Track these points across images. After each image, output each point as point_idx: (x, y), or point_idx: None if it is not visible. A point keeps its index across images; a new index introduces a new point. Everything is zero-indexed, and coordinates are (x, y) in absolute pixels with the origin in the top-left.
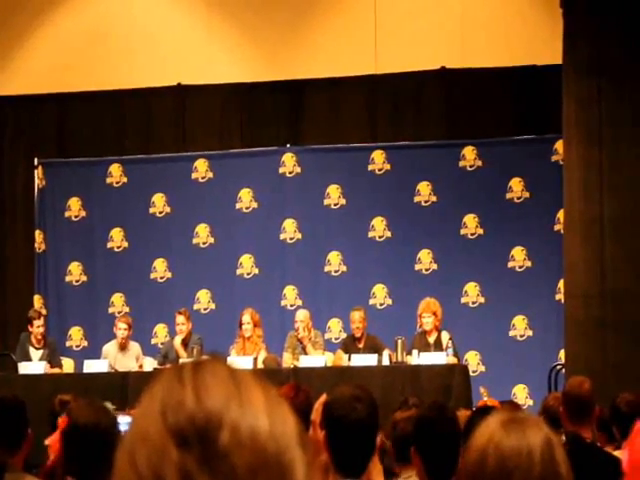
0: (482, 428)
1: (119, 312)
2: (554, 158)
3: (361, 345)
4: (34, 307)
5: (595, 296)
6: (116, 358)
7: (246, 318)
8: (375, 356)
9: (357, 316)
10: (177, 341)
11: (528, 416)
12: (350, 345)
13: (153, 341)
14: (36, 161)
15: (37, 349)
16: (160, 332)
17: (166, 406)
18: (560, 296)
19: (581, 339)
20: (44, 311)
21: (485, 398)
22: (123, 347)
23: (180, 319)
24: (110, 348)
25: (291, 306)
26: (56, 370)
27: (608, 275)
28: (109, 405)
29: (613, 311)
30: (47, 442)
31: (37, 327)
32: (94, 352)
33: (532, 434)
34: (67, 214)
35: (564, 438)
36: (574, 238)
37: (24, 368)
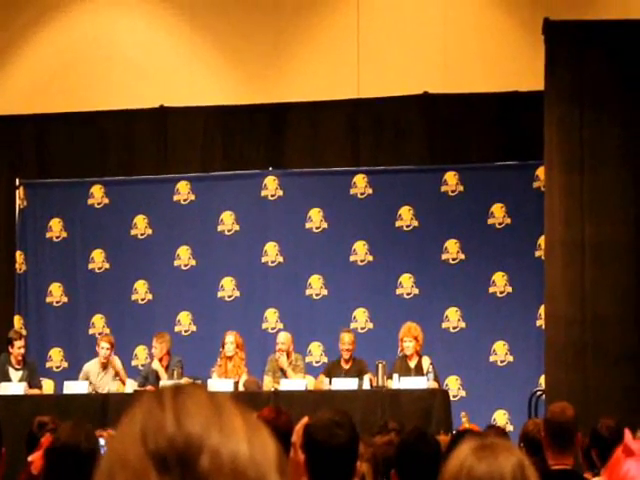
0: (454, 455)
1: (99, 333)
2: (535, 184)
3: (347, 366)
4: (14, 328)
5: (576, 321)
6: (98, 377)
7: (229, 338)
8: (356, 380)
9: (347, 338)
10: (155, 364)
11: (499, 441)
12: (335, 367)
13: (134, 363)
14: (17, 182)
15: (17, 370)
16: (141, 354)
17: (146, 430)
18: (541, 322)
19: (561, 365)
20: (24, 332)
21: (466, 425)
22: (105, 367)
23: (156, 344)
24: (91, 367)
25: (272, 329)
26: (35, 391)
27: (589, 300)
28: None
29: (594, 336)
30: (30, 459)
31: (18, 348)
32: (74, 373)
33: (503, 459)
34: (48, 235)
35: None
36: (555, 264)
37: (3, 389)
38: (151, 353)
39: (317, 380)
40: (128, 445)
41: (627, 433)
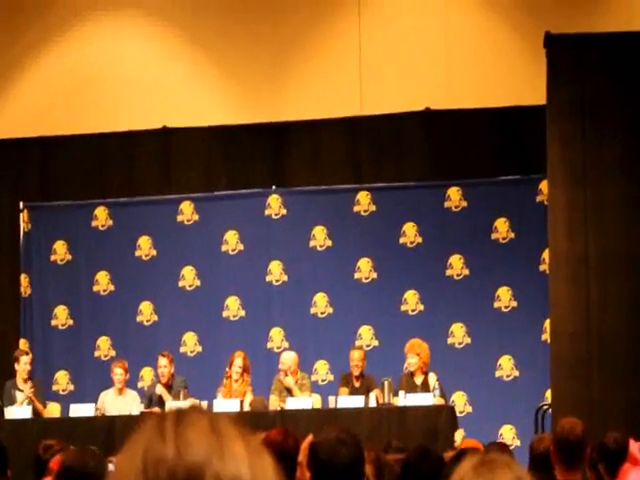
0: (455, 473)
1: (105, 356)
2: (539, 198)
3: (358, 384)
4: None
5: (581, 335)
6: (113, 404)
7: (238, 361)
8: (362, 398)
9: (357, 355)
10: (159, 388)
11: (499, 457)
12: (349, 381)
13: (140, 384)
14: (21, 205)
15: (22, 391)
16: (147, 376)
17: (147, 461)
18: (546, 336)
19: (567, 379)
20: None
21: (458, 441)
22: (121, 392)
23: (163, 361)
24: (107, 396)
25: (277, 348)
26: (40, 407)
27: (593, 314)
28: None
29: (598, 350)
30: None
31: (24, 364)
32: (80, 396)
33: (501, 474)
34: (53, 258)
35: None
36: (559, 278)
37: (9, 413)
38: (157, 375)
39: (340, 392)
40: (130, 475)
41: (632, 443)
